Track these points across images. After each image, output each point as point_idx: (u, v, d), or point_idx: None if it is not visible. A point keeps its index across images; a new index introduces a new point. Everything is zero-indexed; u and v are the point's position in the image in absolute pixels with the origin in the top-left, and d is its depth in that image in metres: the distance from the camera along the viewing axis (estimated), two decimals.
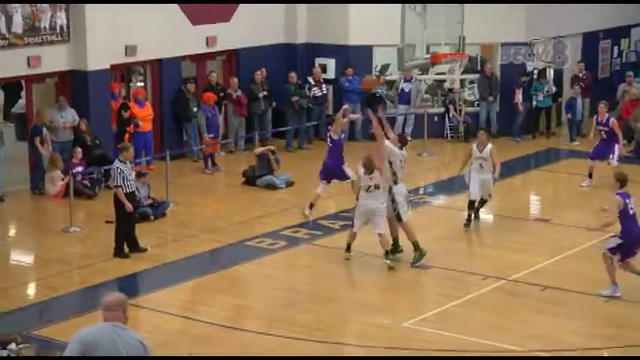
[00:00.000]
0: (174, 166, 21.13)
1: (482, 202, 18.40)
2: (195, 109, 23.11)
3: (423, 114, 24.92)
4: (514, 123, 25.84)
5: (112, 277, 15.75)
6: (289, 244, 17.49)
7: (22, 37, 20.21)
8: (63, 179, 19.99)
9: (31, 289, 15.74)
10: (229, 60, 25.09)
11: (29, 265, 17.14)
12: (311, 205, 18.37)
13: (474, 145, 18.28)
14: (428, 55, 20.44)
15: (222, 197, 21.30)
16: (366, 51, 25.59)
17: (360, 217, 16.23)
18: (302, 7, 25.77)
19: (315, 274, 16.39)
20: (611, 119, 20.98)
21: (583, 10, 27.16)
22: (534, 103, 25.84)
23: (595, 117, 21.32)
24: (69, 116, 21.02)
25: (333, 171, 18.56)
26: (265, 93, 24.54)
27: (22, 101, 23.50)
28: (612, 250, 14.76)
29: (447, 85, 26.45)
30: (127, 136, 21.57)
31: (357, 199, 16.48)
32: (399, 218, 16.25)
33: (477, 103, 26.40)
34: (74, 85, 21.37)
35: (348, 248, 16.61)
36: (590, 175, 20.89)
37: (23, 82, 21.81)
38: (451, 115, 25.83)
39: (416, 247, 16.20)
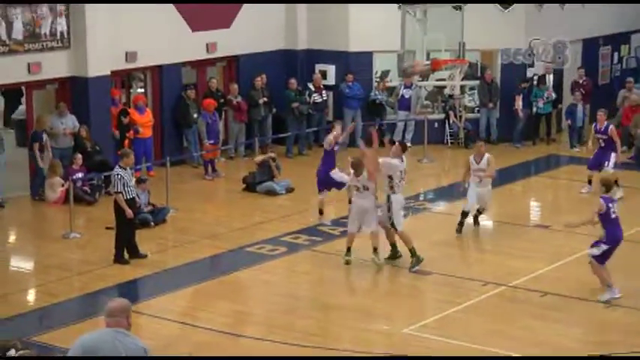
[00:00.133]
0: (174, 172, 21.14)
1: (479, 211, 18.40)
2: (195, 116, 23.12)
3: (423, 120, 24.94)
4: (514, 129, 25.85)
5: (112, 284, 15.74)
6: (289, 250, 17.49)
7: (23, 43, 20.23)
8: (63, 185, 19.99)
9: (31, 296, 15.74)
10: (229, 66, 25.11)
11: (29, 271, 17.14)
12: (320, 212, 18.51)
13: (471, 158, 18.16)
14: (428, 62, 20.45)
15: (222, 203, 21.29)
16: (366, 57, 25.61)
17: (353, 217, 16.50)
18: (302, 14, 25.79)
19: (315, 280, 16.39)
20: (610, 127, 20.82)
21: (583, 17, 27.19)
22: (534, 109, 25.84)
23: (594, 125, 21.09)
24: (69, 122, 21.03)
25: (326, 181, 18.58)
26: (265, 99, 24.55)
27: (22, 107, 23.51)
28: (598, 259, 14.84)
29: (447, 91, 26.47)
30: (126, 142, 21.59)
31: (350, 201, 16.82)
32: (394, 228, 16.24)
33: (477, 109, 26.42)
34: (74, 92, 21.39)
35: (348, 250, 16.66)
36: (590, 182, 20.84)
37: (23, 88, 21.81)
38: (451, 122, 25.84)
39: (413, 253, 16.22)
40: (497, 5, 25.65)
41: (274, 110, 24.87)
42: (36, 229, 19.52)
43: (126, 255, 16.68)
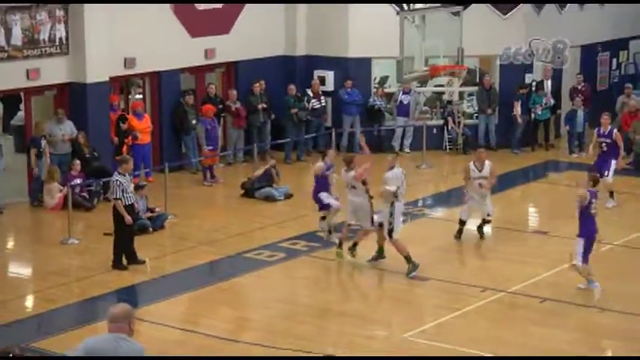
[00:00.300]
0: (172, 178, 21.14)
1: (486, 221, 18.14)
2: (193, 122, 23.13)
3: (422, 126, 24.95)
4: (513, 135, 25.87)
5: (110, 290, 15.73)
6: (288, 256, 17.48)
7: (22, 49, 20.24)
8: (61, 191, 19.98)
9: (30, 302, 15.72)
10: (228, 72, 25.12)
11: (27, 277, 17.12)
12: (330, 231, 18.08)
13: (471, 164, 17.98)
14: (427, 68, 20.46)
15: (221, 209, 21.29)
16: (365, 63, 25.64)
17: (350, 213, 16.91)
18: (301, 20, 25.82)
19: (314, 286, 16.38)
20: (614, 131, 20.81)
21: (581, 23, 27.24)
22: (533, 115, 25.86)
23: (597, 129, 20.93)
24: (67, 129, 21.03)
25: (316, 200, 18.36)
26: (264, 105, 24.56)
27: (21, 113, 23.51)
28: (584, 258, 15.13)
29: (445, 97, 26.52)
30: (125, 148, 21.59)
31: None
32: (390, 234, 16.23)
33: (475, 115, 26.43)
34: (73, 98, 21.39)
35: (340, 245, 17.02)
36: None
37: (22, 94, 21.81)
38: (450, 128, 25.85)
39: (408, 260, 16.24)
40: (496, 11, 25.69)
41: (273, 116, 24.88)
42: (34, 235, 19.52)
43: (124, 261, 16.67)
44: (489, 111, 25.84)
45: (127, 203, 16.58)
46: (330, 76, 25.71)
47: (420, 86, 25.99)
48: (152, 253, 17.44)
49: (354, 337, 14.02)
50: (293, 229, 18.75)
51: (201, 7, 23.69)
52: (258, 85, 24.55)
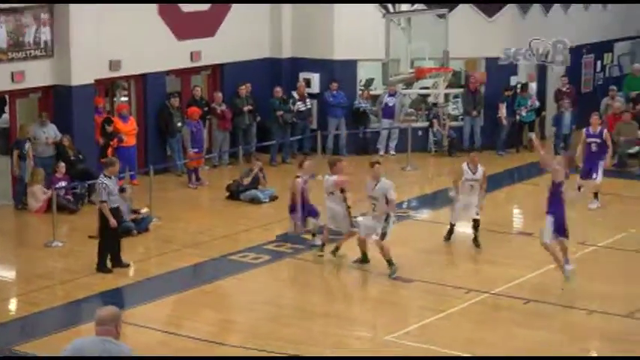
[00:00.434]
0: (158, 181, 21.12)
1: (476, 225, 17.93)
2: (179, 124, 23.12)
3: (407, 128, 24.98)
4: (498, 137, 25.94)
5: (94, 292, 15.69)
6: (273, 258, 17.49)
7: (6, 52, 20.19)
8: (45, 193, 19.93)
9: (13, 305, 15.66)
10: (214, 74, 25.11)
11: (11, 280, 17.05)
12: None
13: (465, 165, 17.80)
14: (412, 70, 20.52)
15: (206, 212, 21.28)
16: (351, 65, 25.66)
17: (328, 218, 17.05)
18: (287, 22, 25.83)
19: (298, 288, 16.39)
20: (605, 130, 20.87)
21: (566, 25, 27.32)
22: (517, 117, 25.93)
23: (585, 129, 20.83)
24: (51, 132, 20.99)
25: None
26: (250, 107, 24.57)
27: (5, 116, 23.42)
28: (553, 232, 15.55)
29: (431, 99, 26.57)
30: (110, 150, 21.56)
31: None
32: (383, 237, 16.24)
33: (460, 117, 26.50)
34: (58, 100, 21.36)
35: (322, 246, 17.15)
36: (580, 188, 20.72)
37: (7, 97, 21.76)
38: (435, 130, 25.89)
39: (390, 263, 16.27)
40: (482, 13, 25.76)
41: (258, 118, 24.88)
42: (18, 237, 19.46)
43: (109, 264, 16.64)
44: (474, 113, 25.90)
45: (112, 206, 16.56)
46: (315, 78, 25.73)
47: (406, 88, 26.04)
48: (136, 255, 17.43)
49: (339, 338, 14.02)
50: (278, 231, 18.73)
51: (186, 9, 23.70)
52: (243, 87, 24.56)
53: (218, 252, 17.74)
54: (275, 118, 24.80)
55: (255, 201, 21.00)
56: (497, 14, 25.87)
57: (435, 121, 25.89)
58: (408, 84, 24.98)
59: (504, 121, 25.81)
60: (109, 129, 21.84)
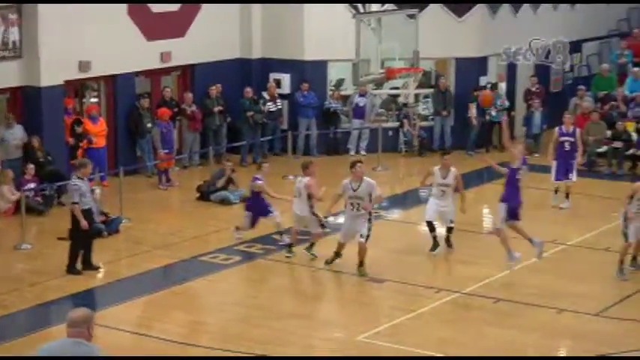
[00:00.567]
0: (128, 182, 21.00)
1: (449, 229, 17.82)
2: (149, 125, 23.03)
3: (378, 128, 25.02)
4: (468, 137, 26.02)
5: (64, 295, 15.60)
6: (243, 259, 17.47)
7: None
8: (13, 194, 19.77)
9: None
10: (184, 75, 25.04)
11: None
12: (280, 234, 18.25)
13: (436, 169, 17.55)
14: (382, 70, 20.53)
15: (176, 213, 21.22)
16: (321, 66, 25.67)
17: (294, 221, 17.27)
18: (257, 23, 25.79)
19: (269, 289, 16.37)
20: (578, 130, 20.93)
21: (535, 25, 27.47)
22: (487, 117, 26.04)
23: (558, 128, 20.82)
24: (18, 133, 20.85)
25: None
26: (220, 108, 24.52)
27: None
28: (505, 218, 16.01)
29: (401, 99, 26.61)
30: (80, 151, 21.45)
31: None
32: (367, 238, 16.20)
33: (431, 117, 26.57)
34: (26, 102, 21.22)
35: (290, 247, 17.29)
36: (556, 191, 20.72)
37: None
38: (405, 130, 25.95)
39: (362, 264, 16.33)
40: (452, 14, 25.84)
41: (229, 119, 24.85)
42: None
43: (79, 266, 16.54)
44: (445, 113, 25.98)
45: (84, 208, 16.46)
46: (286, 78, 25.71)
47: (376, 89, 26.06)
48: (107, 257, 17.34)
49: (310, 339, 14.03)
50: (249, 232, 18.69)
51: (156, 10, 23.61)
52: (214, 88, 24.51)
53: (188, 253, 17.69)
54: (245, 119, 24.77)
55: (225, 202, 20.96)
56: (467, 14, 25.96)
57: (405, 121, 25.95)
58: (379, 84, 24.99)
59: (474, 121, 25.91)
60: (79, 130, 21.73)
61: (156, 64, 23.92)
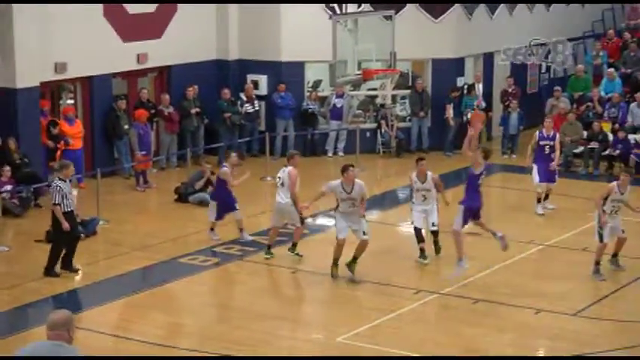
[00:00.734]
0: (105, 184, 20.90)
1: (434, 233, 17.62)
2: (126, 127, 22.96)
3: (355, 129, 25.05)
4: (445, 138, 26.09)
5: (42, 297, 15.53)
6: (222, 261, 17.45)
7: None
8: None
9: None
10: (161, 76, 24.99)
11: None
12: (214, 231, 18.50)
13: (414, 176, 17.35)
14: (359, 71, 20.57)
15: (154, 214, 21.16)
16: (298, 67, 25.67)
17: (276, 214, 17.31)
18: (234, 24, 25.77)
19: (248, 291, 16.33)
20: (557, 134, 20.92)
21: (511, 27, 27.61)
22: (464, 118, 26.12)
23: (539, 132, 20.70)
24: None
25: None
26: (197, 109, 24.48)
27: None
28: (464, 222, 16.03)
29: (378, 100, 26.66)
30: (58, 153, 21.37)
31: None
32: (364, 234, 16.24)
33: (408, 118, 26.63)
34: (2, 103, 21.09)
35: (269, 249, 17.27)
36: (543, 199, 20.50)
37: None
38: (383, 131, 26.00)
39: (355, 260, 16.33)
40: (428, 15, 25.91)
41: (206, 121, 24.81)
42: None
43: (57, 268, 16.44)
44: (422, 114, 26.05)
45: (66, 210, 16.38)
46: (263, 80, 25.71)
47: (353, 90, 26.11)
48: (85, 259, 17.25)
49: (289, 340, 14.03)
50: (227, 233, 18.68)
51: (132, 11, 23.54)
52: (191, 89, 24.47)
53: (167, 255, 17.65)
54: (223, 120, 24.75)
55: (203, 203, 20.84)
56: (443, 16, 26.03)
57: (382, 122, 26.00)
58: (356, 85, 25.06)
59: (451, 122, 25.99)
60: (55, 131, 21.63)
61: (132, 66, 23.85)
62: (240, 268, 17.24)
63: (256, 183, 22.96)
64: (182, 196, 21.24)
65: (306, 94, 25.89)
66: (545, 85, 28.92)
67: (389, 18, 21.26)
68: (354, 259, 16.34)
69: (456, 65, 26.52)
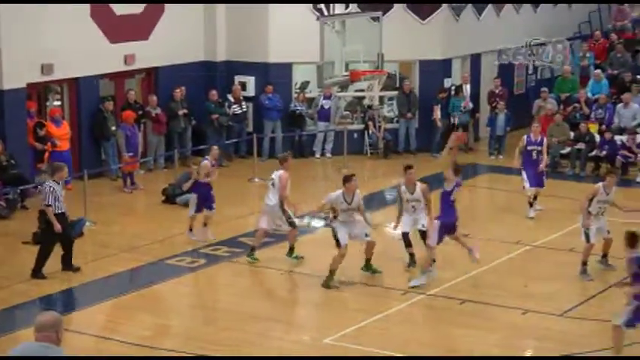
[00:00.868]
0: (92, 185, 20.87)
1: (422, 233, 17.18)
2: (113, 128, 22.93)
3: (343, 131, 25.06)
4: (433, 139, 26.12)
5: (29, 299, 15.48)
6: (209, 262, 17.43)
7: None
8: None
9: None
10: (148, 78, 24.96)
11: None
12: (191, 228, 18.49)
13: (403, 187, 17.01)
14: (347, 73, 20.56)
15: (141, 216, 21.12)
16: (286, 68, 25.68)
17: (263, 215, 17.28)
18: (221, 25, 25.76)
19: (235, 292, 16.32)
20: (545, 139, 20.95)
21: (499, 28, 27.67)
22: (452, 120, 26.17)
23: (527, 136, 20.60)
24: None
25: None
26: (185, 111, 24.46)
27: None
28: (439, 238, 15.90)
29: (366, 101, 26.68)
30: (46, 155, 21.33)
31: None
32: (367, 235, 16.40)
33: (396, 119, 26.66)
34: None
35: (252, 250, 17.27)
36: (531, 205, 20.34)
37: None
38: (370, 132, 26.02)
39: (369, 261, 16.56)
40: (415, 16, 25.95)
41: (194, 122, 24.80)
42: None
43: (42, 271, 16.39)
44: (409, 115, 26.08)
45: (58, 212, 16.35)
46: (250, 81, 25.70)
47: (341, 91, 26.13)
48: (72, 260, 17.19)
49: (276, 341, 14.01)
50: (214, 235, 18.66)
51: (119, 12, 23.51)
52: (178, 90, 24.45)
53: (154, 256, 17.63)
54: (210, 122, 24.73)
55: None
56: (431, 17, 26.07)
57: (370, 123, 26.02)
58: (343, 87, 25.07)
59: (439, 123, 26.02)
60: (41, 133, 21.58)
61: (120, 67, 23.80)
62: (228, 270, 17.22)
63: (244, 184, 23.00)
64: (169, 197, 21.21)
65: (294, 95, 25.89)
66: (533, 87, 29.00)
67: (376, 19, 21.25)
68: (368, 261, 16.44)
69: (444, 66, 26.57)
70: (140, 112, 23.78)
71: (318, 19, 20.39)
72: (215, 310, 15.44)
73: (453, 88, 26.51)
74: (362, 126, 26.29)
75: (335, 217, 16.21)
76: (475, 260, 16.20)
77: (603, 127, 25.17)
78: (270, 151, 25.37)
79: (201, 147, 24.38)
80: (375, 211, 20.57)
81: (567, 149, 24.81)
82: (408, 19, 25.82)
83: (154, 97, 24.29)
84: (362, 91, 26.60)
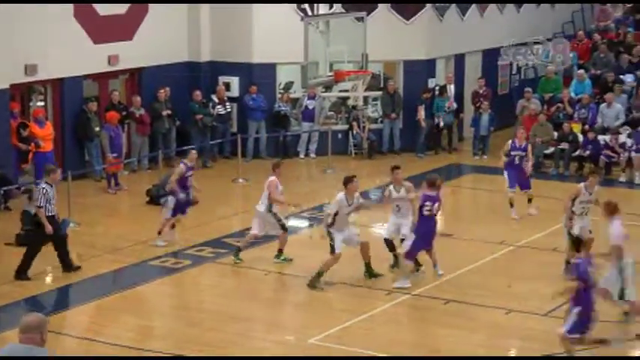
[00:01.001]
0: (76, 186, 20.81)
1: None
2: (97, 129, 22.87)
3: (327, 131, 25.08)
4: (417, 139, 26.16)
5: (13, 300, 15.44)
6: (194, 263, 17.41)
7: None
8: None
9: None
10: (132, 78, 24.91)
11: None
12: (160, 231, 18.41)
13: (391, 188, 16.97)
14: (331, 73, 20.56)
15: (125, 217, 21.09)
16: (270, 69, 25.68)
17: (257, 222, 17.28)
18: (205, 25, 25.75)
19: (220, 293, 16.32)
20: (529, 145, 20.96)
21: (482, 28, 27.75)
22: (436, 120, 26.21)
23: (511, 141, 20.64)
24: None
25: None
26: (169, 111, 24.43)
27: None
28: (407, 255, 16.04)
29: (350, 102, 26.69)
30: (30, 156, 21.26)
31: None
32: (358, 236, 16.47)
33: (380, 120, 26.68)
34: None
35: (238, 251, 17.29)
36: (512, 205, 20.26)
37: None
38: (355, 132, 26.04)
39: (369, 264, 16.53)
40: (400, 17, 25.98)
41: (178, 122, 24.76)
42: None
43: (29, 273, 16.34)
44: (393, 115, 26.11)
45: (49, 214, 16.31)
46: (235, 81, 25.70)
47: (325, 91, 26.14)
48: (55, 261, 17.12)
49: (261, 342, 14.01)
50: (198, 236, 18.66)
51: (103, 12, 23.46)
52: (162, 91, 24.41)
53: (138, 257, 17.60)
54: (195, 122, 24.71)
55: None
56: (415, 17, 26.12)
57: (354, 123, 26.04)
58: (328, 87, 25.07)
59: (423, 124, 26.06)
60: (24, 133, 21.51)
61: (103, 68, 23.76)
62: (212, 271, 17.21)
63: (228, 185, 22.99)
64: (153, 198, 21.14)
65: (278, 95, 25.88)
66: (516, 87, 29.06)
67: (361, 19, 21.26)
68: (368, 265, 16.42)
69: (428, 66, 26.62)
70: (124, 113, 23.73)
71: (302, 19, 20.38)
72: (200, 311, 15.41)
73: (437, 88, 26.56)
74: (346, 126, 26.31)
75: (332, 224, 16.13)
76: (439, 275, 16.33)
77: (586, 127, 25.25)
78: (254, 151, 25.37)
79: (186, 147, 24.35)
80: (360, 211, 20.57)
81: (551, 149, 24.89)
82: (392, 20, 25.86)
83: (138, 98, 24.25)
84: (346, 91, 26.56)
